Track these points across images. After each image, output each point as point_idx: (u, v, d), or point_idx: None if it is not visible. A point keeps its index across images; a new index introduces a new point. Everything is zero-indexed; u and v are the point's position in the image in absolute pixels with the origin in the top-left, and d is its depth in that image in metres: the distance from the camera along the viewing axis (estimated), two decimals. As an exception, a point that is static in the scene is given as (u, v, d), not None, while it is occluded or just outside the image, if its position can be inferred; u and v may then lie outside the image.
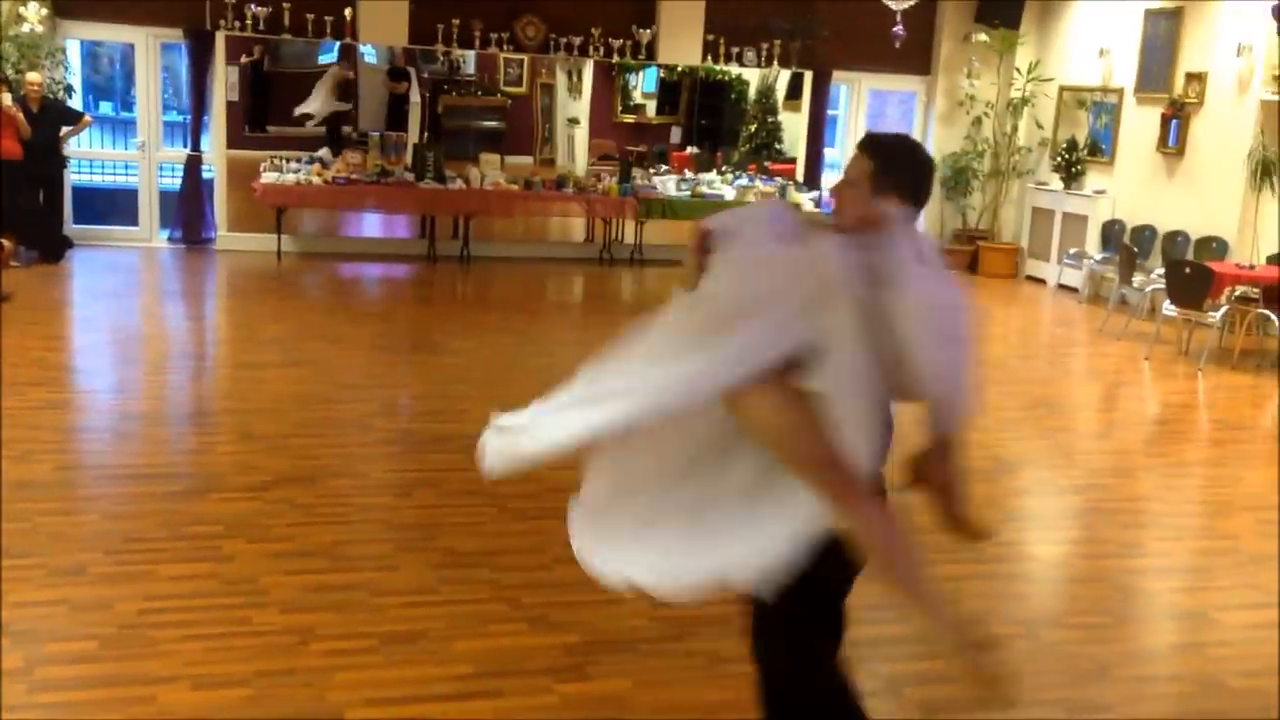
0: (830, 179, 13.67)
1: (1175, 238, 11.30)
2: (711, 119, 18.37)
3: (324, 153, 12.50)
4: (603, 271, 12.41)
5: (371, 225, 13.61)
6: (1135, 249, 11.14)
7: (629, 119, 19.05)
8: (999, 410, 7.42)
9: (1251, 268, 9.81)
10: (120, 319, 9.00)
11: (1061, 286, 12.64)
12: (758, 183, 13.19)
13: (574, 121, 15.92)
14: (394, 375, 7.74)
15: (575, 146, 15.78)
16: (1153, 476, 6.69)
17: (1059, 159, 12.77)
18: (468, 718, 3.49)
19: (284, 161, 11.95)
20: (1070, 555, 5.45)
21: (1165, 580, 5.12)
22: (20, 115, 10.23)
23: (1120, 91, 12.22)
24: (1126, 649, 4.34)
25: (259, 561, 4.53)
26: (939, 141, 13.44)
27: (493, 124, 18.33)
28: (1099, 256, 12.00)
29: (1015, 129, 13.25)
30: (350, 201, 12.17)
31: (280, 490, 5.32)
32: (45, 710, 3.42)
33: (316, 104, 13.62)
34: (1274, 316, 9.35)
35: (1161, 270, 10.25)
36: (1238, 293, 9.60)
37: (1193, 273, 9.49)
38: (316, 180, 11.75)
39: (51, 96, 10.94)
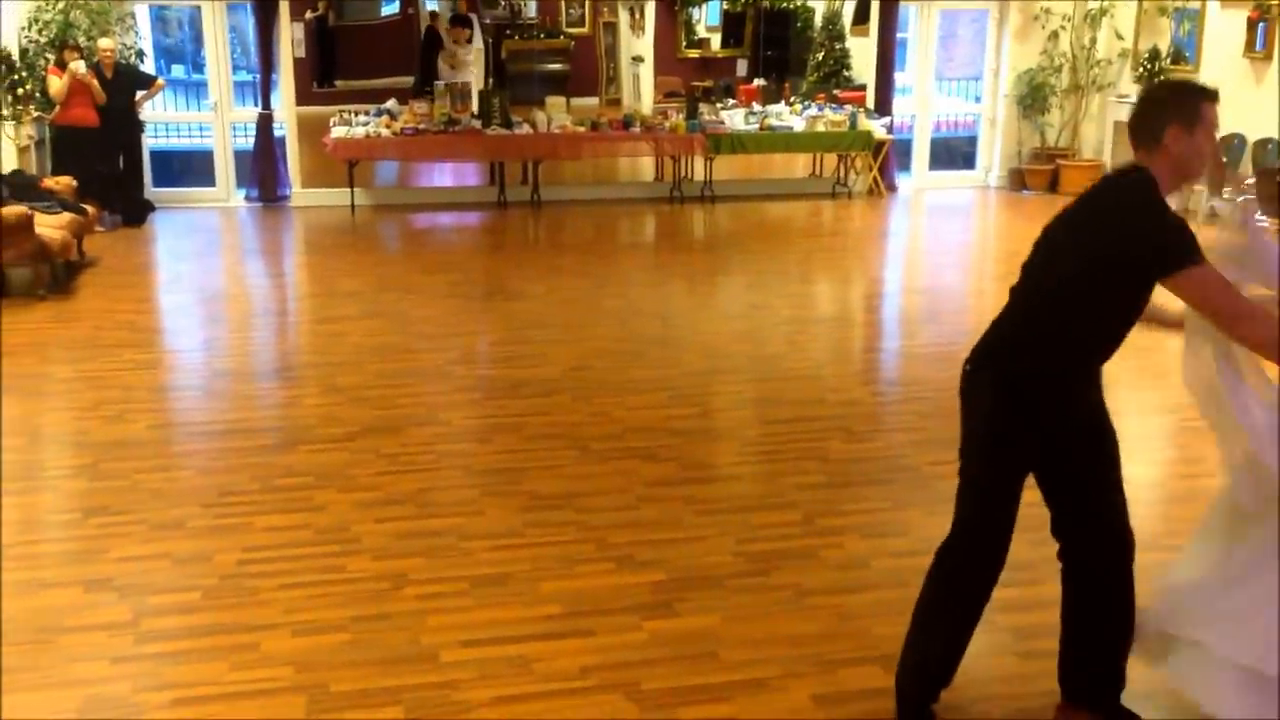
0: (902, 105, 13.39)
1: (1265, 145, 10.88)
2: (777, 49, 18.09)
3: (391, 104, 12.55)
4: (674, 210, 12.34)
5: (441, 174, 13.70)
6: (1224, 158, 10.75)
7: (693, 54, 18.84)
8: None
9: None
10: (203, 279, 9.19)
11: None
12: (827, 111, 12.95)
13: (638, 59, 15.78)
14: (470, 323, 7.81)
15: (640, 85, 15.66)
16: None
17: (1141, 70, 12.34)
18: (560, 656, 3.55)
19: (353, 115, 12.03)
20: (1165, 476, 5.35)
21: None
22: (95, 82, 10.41)
23: (1203, -5, 11.74)
24: (1222, 569, 4.25)
25: (349, 510, 4.64)
26: (1014, 59, 13.06)
27: (556, 66, 18.26)
28: (1185, 169, 11.62)
29: (1094, 41, 12.81)
30: (419, 152, 12.22)
31: (365, 440, 5.42)
32: (153, 661, 3.55)
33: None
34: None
35: (1252, 180, 9.89)
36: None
37: (1285, 181, 9.14)
38: (385, 132, 11.80)
39: (124, 62, 11.11)
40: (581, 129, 12.34)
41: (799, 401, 6.06)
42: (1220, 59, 11.61)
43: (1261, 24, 10.95)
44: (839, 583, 4.06)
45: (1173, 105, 2.90)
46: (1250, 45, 11.14)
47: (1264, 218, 9.38)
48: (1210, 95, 2.91)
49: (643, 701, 3.32)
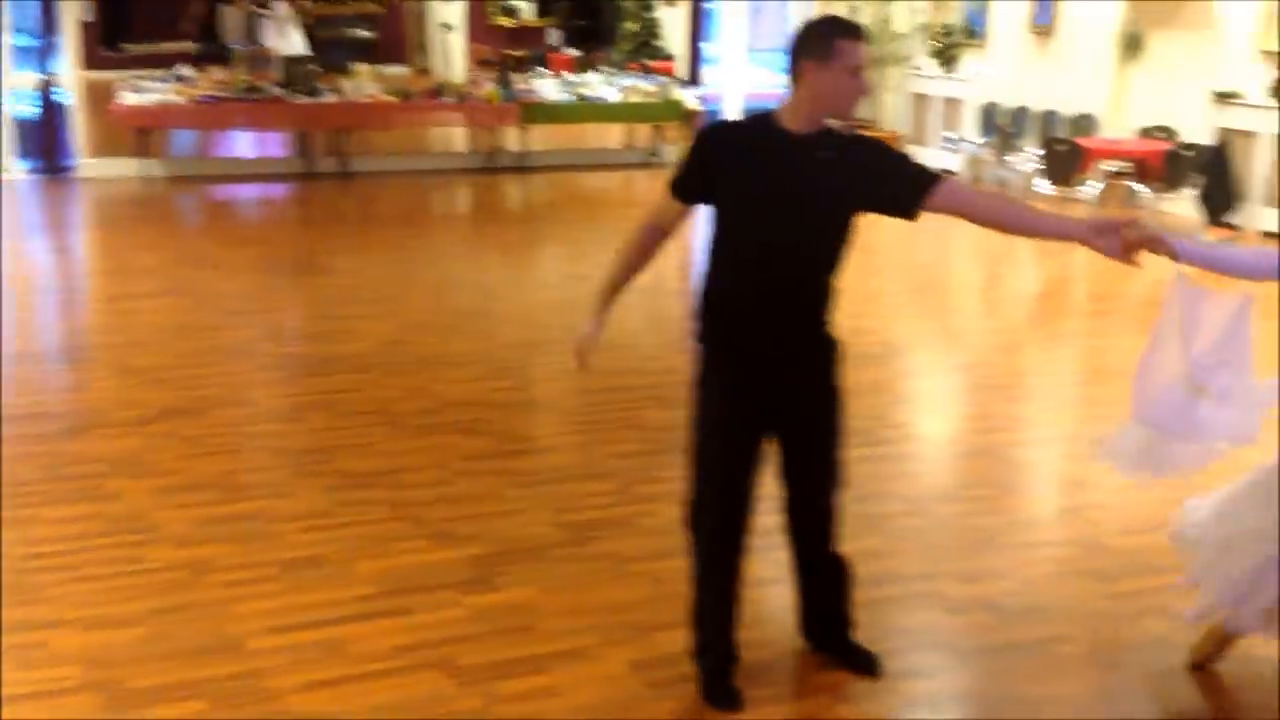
0: (711, 74, 13.56)
1: (1048, 116, 11.50)
2: (589, 19, 18.07)
3: (186, 70, 11.96)
4: (488, 180, 12.20)
5: (244, 144, 13.14)
6: (1011, 130, 11.32)
7: (505, 22, 18.64)
8: (887, 296, 7.55)
9: (1121, 142, 10.05)
10: (-19, 257, 8.58)
11: (942, 171, 12.79)
12: (640, 82, 13.01)
13: (448, 27, 15.50)
14: (277, 299, 7.54)
15: (451, 53, 15.39)
16: (1034, 350, 6.89)
17: (936, 43, 12.85)
18: (374, 637, 3.48)
19: (144, 81, 11.41)
20: (959, 432, 5.61)
21: (1047, 449, 5.31)
22: None
23: (992, -28, 12.28)
24: (1013, 518, 4.51)
25: (147, 498, 4.42)
26: (818, 31, 13.38)
27: (365, 33, 17.77)
28: (977, 139, 12.18)
29: (892, 15, 13.25)
30: (218, 120, 11.70)
31: (165, 423, 5.17)
32: (-69, 666, 3.31)
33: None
34: (1144, 189, 9.61)
35: (1036, 149, 10.44)
36: (1110, 167, 9.84)
37: (1065, 150, 9.69)
38: (180, 99, 11.25)
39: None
40: (392, 98, 12.05)
41: (616, 371, 6.09)
42: (1008, 33, 12.19)
43: (1046, 0, 11.54)
44: (656, 549, 4.10)
45: (809, 41, 2.88)
46: (1035, 20, 11.74)
47: (1046, 183, 9.92)
48: (848, 31, 2.87)
49: (460, 677, 3.29)
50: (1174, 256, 2.90)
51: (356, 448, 4.97)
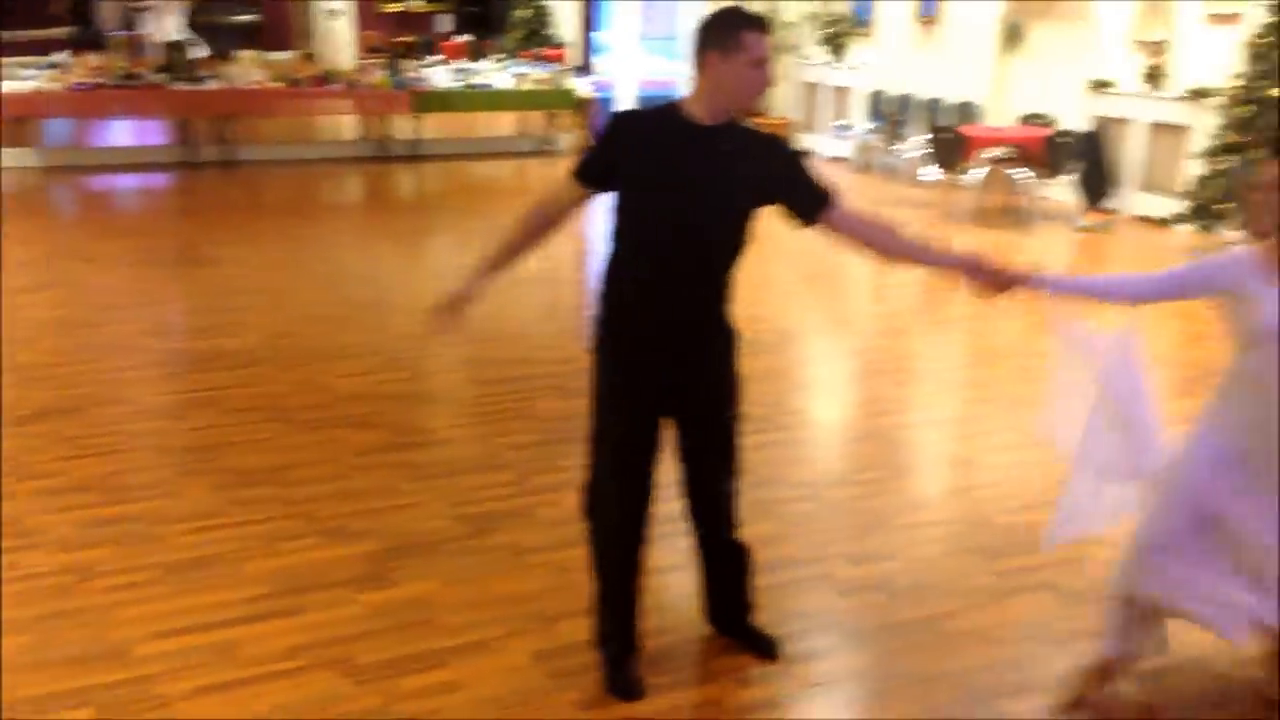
0: (603, 62, 13.54)
1: (934, 104, 11.76)
2: (479, 5, 17.85)
3: (62, 56, 11.52)
4: (379, 169, 12.01)
5: (123, 133, 12.71)
6: (898, 117, 11.55)
7: (393, 8, 18.30)
8: (780, 284, 7.64)
9: (1003, 129, 10.33)
10: None
11: (833, 158, 13.01)
12: (532, 70, 12.93)
13: (335, 12, 15.16)
14: (161, 292, 7.32)
15: (339, 39, 15.06)
16: (922, 335, 7.05)
17: (825, 32, 13.02)
18: (267, 638, 3.41)
19: (17, 69, 10.96)
20: (851, 416, 5.71)
21: (936, 431, 5.44)
22: None
23: (878, -38, 12.49)
24: (902, 499, 4.61)
25: (25, 501, 4.26)
26: (709, 19, 13.46)
27: (248, 18, 17.27)
28: (865, 127, 12.39)
29: (781, 4, 13.40)
30: (95, 108, 11.30)
31: (43, 423, 4.99)
32: None
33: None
34: (1025, 175, 9.89)
35: (923, 136, 10.67)
36: (992, 154, 10.10)
37: (950, 137, 9.92)
38: (56, 87, 10.83)
39: None
40: (278, 85, 11.78)
41: (512, 361, 6.06)
42: (894, 23, 12.42)
43: (929, -9, 11.78)
44: (556, 538, 4.09)
45: (714, 32, 2.88)
46: (920, 10, 11.97)
47: (932, 169, 10.14)
48: (752, 23, 2.87)
49: (358, 676, 3.24)
50: (1040, 288, 3.05)
51: (245, 445, 4.86)
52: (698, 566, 3.40)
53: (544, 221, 3.15)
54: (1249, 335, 2.83)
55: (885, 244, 3.12)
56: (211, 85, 11.45)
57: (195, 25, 14.79)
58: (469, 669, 3.30)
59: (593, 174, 3.05)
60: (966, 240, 9.37)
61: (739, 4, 3.04)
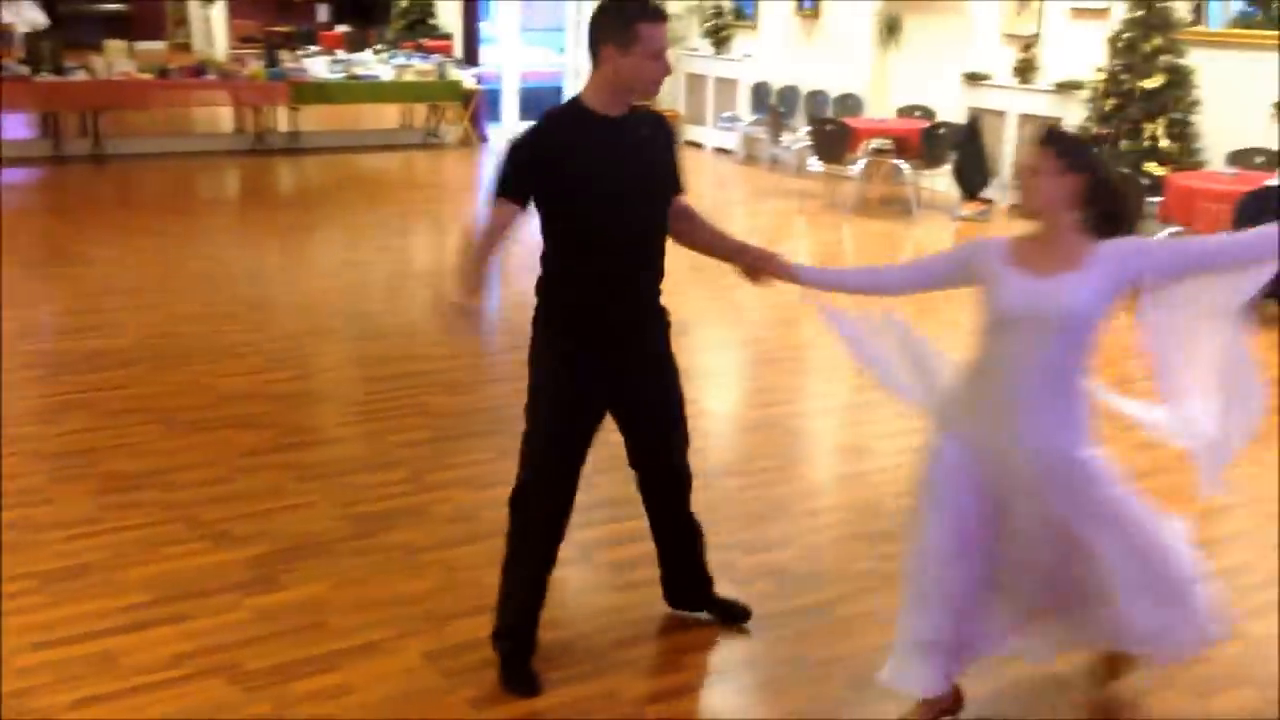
0: (490, 55, 13.42)
1: (816, 97, 11.93)
2: (360, -6, 17.52)
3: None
4: (258, 163, 11.71)
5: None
6: (782, 110, 11.69)
7: (270, -3, 17.87)
8: (666, 275, 7.66)
9: (884, 121, 10.54)
10: None
11: (718, 150, 13.12)
12: (415, 61, 12.75)
13: (208, 1, 14.76)
14: (26, 292, 7.01)
15: (212, 28, 14.68)
16: (812, 323, 7.14)
17: (708, 24, 13.12)
18: (150, 647, 3.30)
19: None
20: (744, 406, 5.77)
21: (827, 419, 5.53)
22: None
23: (759, -44, 12.62)
24: (797, 488, 4.68)
25: (-115, 514, 4.05)
26: (591, 12, 13.44)
27: (116, 6, 16.69)
28: (750, 119, 12.52)
29: (665, -4, 13.47)
30: (-48, 101, 10.78)
31: (-97, 432, 4.76)
32: None
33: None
34: (905, 165, 10.11)
35: (807, 128, 10.82)
36: (873, 145, 10.30)
37: (833, 129, 10.08)
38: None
39: None
40: (148, 76, 11.40)
41: (401, 357, 5.97)
42: (775, 15, 12.57)
43: (810, -15, 11.95)
44: (449, 537, 4.05)
45: (610, 25, 2.87)
46: (800, 3, 12.14)
47: (817, 162, 10.30)
48: (648, 15, 2.86)
49: (246, 682, 3.16)
50: (795, 280, 3.20)
51: (124, 448, 4.70)
52: (660, 548, 3.43)
53: (496, 245, 3.03)
54: (990, 320, 2.79)
55: (692, 233, 3.23)
56: (78, 77, 11.01)
57: (58, 15, 14.25)
58: (361, 671, 3.24)
59: (522, 189, 2.97)
60: (851, 231, 9.57)
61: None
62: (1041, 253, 2.72)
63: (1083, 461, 2.77)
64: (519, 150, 2.99)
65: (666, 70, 2.94)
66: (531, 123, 3.07)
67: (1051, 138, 2.74)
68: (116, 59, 11.49)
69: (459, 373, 5.79)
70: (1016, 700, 3.20)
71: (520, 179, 2.98)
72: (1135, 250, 2.74)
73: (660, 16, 2.90)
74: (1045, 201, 2.70)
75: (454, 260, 3.06)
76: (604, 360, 3.09)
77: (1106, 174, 2.77)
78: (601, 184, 2.95)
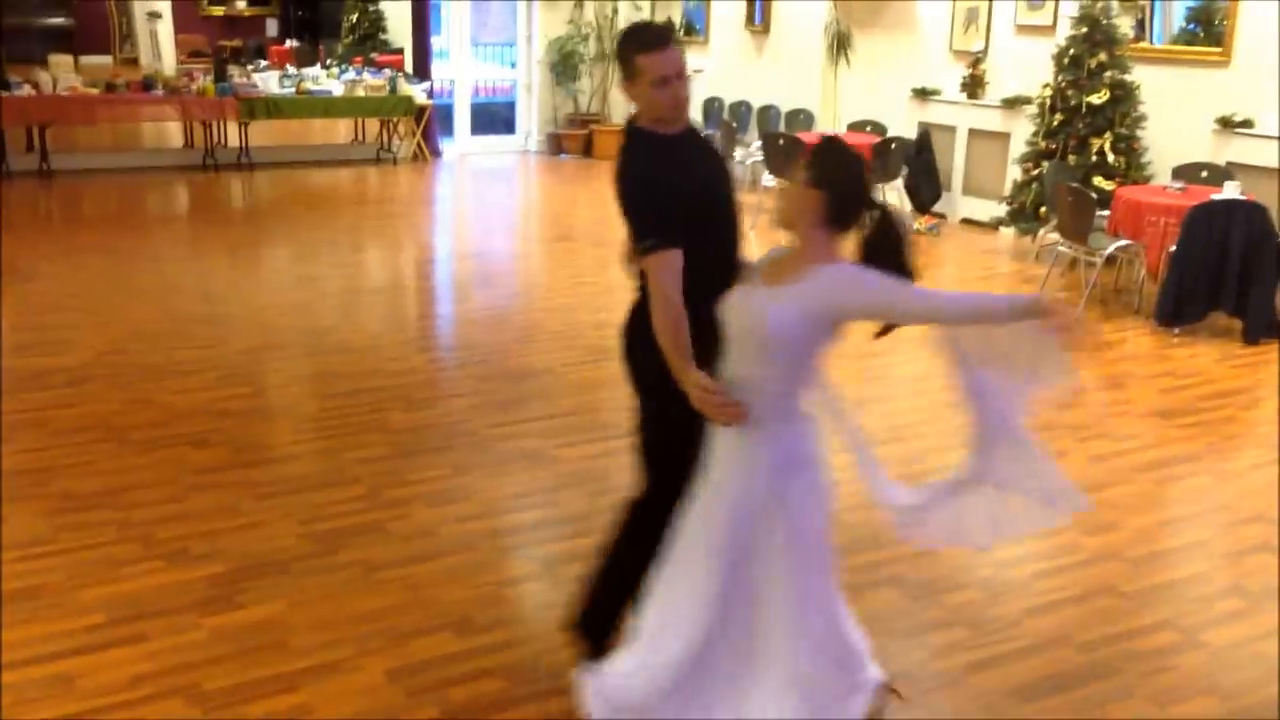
0: (441, 69, 13.40)
1: (768, 112, 12.04)
2: (309, 9, 17.45)
3: None
4: (208, 178, 11.60)
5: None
6: (734, 124, 11.78)
7: (217, 11, 17.75)
8: (625, 289, 7.68)
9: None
10: None
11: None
12: (366, 76, 12.70)
13: (155, 15, 14.62)
14: (-26, 310, 6.91)
15: (160, 43, 14.52)
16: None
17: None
18: (107, 668, 3.26)
19: None
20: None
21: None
22: None
23: (710, -28, 12.72)
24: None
25: None
26: (544, 26, 13.49)
27: (60, 20, 16.47)
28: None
29: (616, 11, 13.51)
30: (-108, 115, 10.59)
31: None
32: None
33: None
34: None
35: (759, 143, 10.90)
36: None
37: (785, 144, 10.17)
38: None
39: None
40: (94, 91, 11.26)
41: (356, 373, 5.94)
42: (726, 30, 12.67)
43: (759, 0, 12.06)
44: (407, 554, 4.03)
45: (619, 60, 2.93)
46: (750, 19, 12.25)
47: (770, 176, 10.39)
48: (644, 45, 2.84)
49: (205, 703, 3.12)
50: None
51: (76, 467, 4.63)
52: (613, 580, 3.26)
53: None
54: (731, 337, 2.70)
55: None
56: (22, 92, 10.86)
57: (1, 29, 14.04)
58: (321, 691, 3.22)
59: (678, 231, 2.84)
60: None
61: (641, 22, 3.01)
62: (784, 266, 2.66)
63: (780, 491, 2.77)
64: (654, 188, 2.88)
65: (674, 95, 2.87)
66: (631, 158, 2.94)
67: (813, 151, 2.62)
68: (62, 74, 11.35)
69: (415, 389, 5.76)
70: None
71: (672, 219, 2.84)
72: (849, 281, 2.55)
73: (657, 44, 2.85)
74: (784, 213, 2.64)
75: (669, 348, 2.82)
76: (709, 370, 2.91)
77: (849, 192, 2.59)
78: (708, 194, 2.97)
